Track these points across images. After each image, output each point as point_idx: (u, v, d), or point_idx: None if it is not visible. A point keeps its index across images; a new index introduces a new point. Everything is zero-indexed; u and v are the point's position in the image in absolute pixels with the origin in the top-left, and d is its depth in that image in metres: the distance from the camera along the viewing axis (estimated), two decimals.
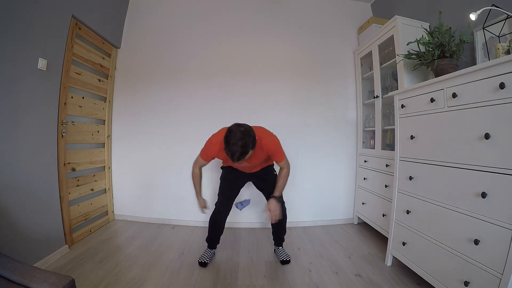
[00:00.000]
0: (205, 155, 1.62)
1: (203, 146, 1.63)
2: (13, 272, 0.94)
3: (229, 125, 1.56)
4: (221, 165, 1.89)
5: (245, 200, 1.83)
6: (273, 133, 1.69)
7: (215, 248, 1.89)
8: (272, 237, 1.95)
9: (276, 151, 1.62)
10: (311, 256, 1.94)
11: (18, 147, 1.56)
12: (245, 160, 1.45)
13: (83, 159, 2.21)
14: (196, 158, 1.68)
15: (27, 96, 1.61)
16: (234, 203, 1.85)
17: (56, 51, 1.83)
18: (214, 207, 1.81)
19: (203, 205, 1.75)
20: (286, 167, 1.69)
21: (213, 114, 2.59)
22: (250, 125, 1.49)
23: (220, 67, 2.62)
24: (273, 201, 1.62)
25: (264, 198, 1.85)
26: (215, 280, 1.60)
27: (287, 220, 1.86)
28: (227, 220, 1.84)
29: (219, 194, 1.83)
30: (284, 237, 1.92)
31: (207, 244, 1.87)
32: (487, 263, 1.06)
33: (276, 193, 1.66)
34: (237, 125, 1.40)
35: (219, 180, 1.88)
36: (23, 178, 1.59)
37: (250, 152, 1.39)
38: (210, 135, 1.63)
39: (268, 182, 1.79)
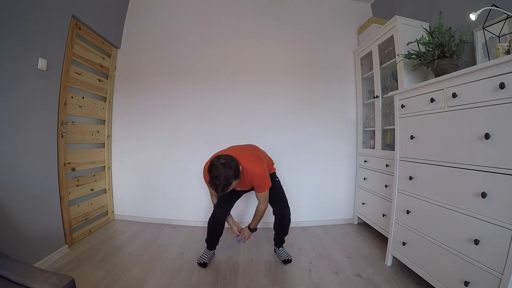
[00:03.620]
0: (208, 186, 1.61)
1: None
2: (13, 272, 0.94)
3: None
4: None
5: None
6: (264, 153, 1.76)
7: (214, 248, 1.89)
8: (273, 237, 1.95)
9: (258, 185, 1.61)
10: (311, 256, 1.94)
11: (18, 147, 1.56)
12: (234, 187, 1.50)
13: (83, 159, 2.21)
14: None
15: (27, 96, 1.61)
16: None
17: (56, 51, 1.83)
18: (213, 208, 1.80)
19: (237, 231, 1.79)
20: (263, 202, 1.68)
21: (212, 115, 2.59)
22: (249, 143, 1.53)
23: (220, 68, 2.62)
24: (247, 231, 1.79)
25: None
26: (215, 280, 1.60)
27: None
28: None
29: (220, 197, 1.81)
30: (285, 238, 1.93)
31: (206, 244, 1.87)
32: (487, 263, 1.06)
33: (252, 226, 1.79)
34: (217, 158, 1.44)
35: None
36: (23, 178, 1.59)
37: (234, 182, 1.43)
38: (217, 149, 1.71)
39: (271, 188, 1.73)
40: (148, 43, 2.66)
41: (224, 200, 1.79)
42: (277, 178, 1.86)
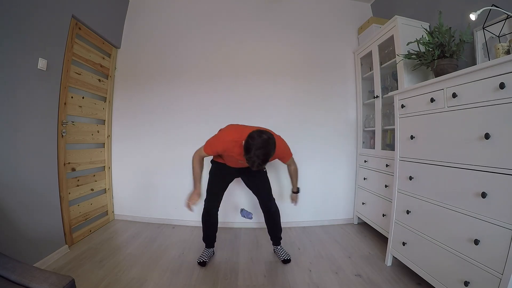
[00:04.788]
0: (211, 150, 1.60)
1: (210, 138, 1.61)
2: (13, 272, 0.94)
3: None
4: (211, 159, 1.86)
5: (249, 213, 1.90)
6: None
7: (213, 246, 1.89)
8: (269, 237, 1.95)
9: (286, 155, 1.70)
10: (311, 256, 1.94)
11: (18, 147, 1.56)
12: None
13: (83, 159, 2.21)
14: (199, 149, 1.64)
15: (27, 96, 1.61)
16: (240, 210, 1.94)
17: (56, 51, 1.83)
18: (204, 204, 1.78)
19: (197, 196, 1.65)
20: (293, 163, 1.81)
21: (212, 115, 2.59)
22: (251, 125, 1.50)
23: (220, 68, 2.62)
24: (295, 196, 1.92)
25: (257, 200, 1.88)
26: (215, 280, 1.60)
27: (281, 220, 1.91)
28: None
29: (207, 190, 1.80)
30: (281, 235, 1.93)
31: (204, 244, 1.87)
32: (487, 263, 1.07)
33: (295, 189, 1.90)
34: (259, 133, 1.38)
35: (208, 175, 1.85)
36: (23, 178, 1.59)
37: (270, 160, 1.40)
38: (217, 130, 1.64)
39: (257, 178, 1.82)
40: (148, 43, 2.66)
41: (213, 193, 1.78)
42: (265, 169, 1.85)
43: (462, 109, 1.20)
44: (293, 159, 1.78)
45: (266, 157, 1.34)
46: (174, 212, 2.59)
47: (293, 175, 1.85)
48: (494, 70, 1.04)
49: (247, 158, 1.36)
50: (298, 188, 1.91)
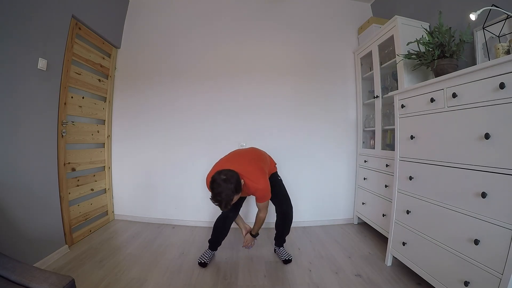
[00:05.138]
0: None
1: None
2: (13, 272, 0.94)
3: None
4: None
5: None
6: (265, 155, 1.75)
7: (216, 249, 1.89)
8: (274, 237, 1.95)
9: (260, 197, 1.62)
10: (311, 256, 1.94)
11: (18, 147, 1.56)
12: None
13: (83, 159, 2.21)
14: None
15: (27, 96, 1.61)
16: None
17: (56, 51, 1.83)
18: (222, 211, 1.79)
19: (248, 241, 1.80)
20: (264, 211, 1.69)
21: (213, 115, 2.59)
22: (253, 146, 1.56)
23: (221, 68, 2.62)
24: (250, 238, 1.81)
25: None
26: (215, 280, 1.60)
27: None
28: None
29: None
30: (286, 237, 1.93)
31: (208, 244, 1.87)
32: (487, 263, 1.07)
33: (254, 232, 1.80)
34: (218, 173, 1.44)
35: None
36: (23, 178, 1.59)
37: (236, 197, 1.45)
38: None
39: (272, 187, 1.76)
40: (148, 43, 2.66)
41: (233, 204, 1.78)
42: (279, 177, 1.87)
43: (462, 109, 1.20)
44: (266, 205, 1.67)
45: (229, 197, 1.39)
46: (174, 212, 2.59)
47: (258, 222, 1.73)
48: (494, 70, 1.04)
49: (213, 201, 1.43)
50: (257, 234, 1.81)
